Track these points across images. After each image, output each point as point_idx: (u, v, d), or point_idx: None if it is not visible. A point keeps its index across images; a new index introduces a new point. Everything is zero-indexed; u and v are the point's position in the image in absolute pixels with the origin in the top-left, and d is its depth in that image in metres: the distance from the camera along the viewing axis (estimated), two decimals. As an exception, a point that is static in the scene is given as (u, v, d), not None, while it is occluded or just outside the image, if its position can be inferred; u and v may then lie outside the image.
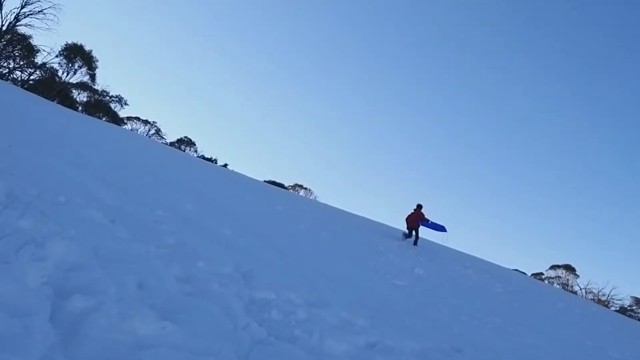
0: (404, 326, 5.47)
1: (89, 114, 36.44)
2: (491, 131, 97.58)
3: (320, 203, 32.25)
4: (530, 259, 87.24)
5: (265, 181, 38.23)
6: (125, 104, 44.39)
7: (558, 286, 35.01)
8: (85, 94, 41.46)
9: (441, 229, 20.31)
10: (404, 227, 19.25)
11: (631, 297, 34.19)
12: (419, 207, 19.42)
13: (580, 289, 34.20)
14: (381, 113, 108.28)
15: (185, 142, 49.93)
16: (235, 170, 37.87)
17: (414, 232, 19.21)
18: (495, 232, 76.45)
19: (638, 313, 33.36)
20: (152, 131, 47.42)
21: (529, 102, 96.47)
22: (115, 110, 43.76)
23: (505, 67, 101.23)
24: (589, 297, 32.53)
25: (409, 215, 19.29)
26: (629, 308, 33.22)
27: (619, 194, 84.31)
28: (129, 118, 46.16)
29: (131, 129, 44.50)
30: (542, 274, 38.65)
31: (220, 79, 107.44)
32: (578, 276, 36.39)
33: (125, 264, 3.46)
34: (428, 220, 19.38)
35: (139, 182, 9.17)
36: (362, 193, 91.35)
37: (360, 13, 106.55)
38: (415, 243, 19.06)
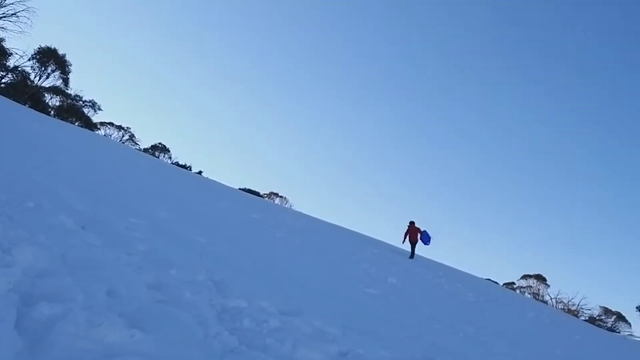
0: (377, 335, 5.48)
1: (62, 119, 35.85)
2: (465, 137, 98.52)
3: (296, 211, 32.21)
4: (502, 269, 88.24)
5: (240, 189, 38.05)
6: (99, 109, 43.81)
7: (529, 295, 35.49)
8: (58, 98, 40.76)
9: (428, 240, 21.30)
10: (396, 241, 20.22)
11: (600, 306, 34.87)
12: (413, 223, 20.90)
13: (551, 298, 34.73)
14: (360, 122, 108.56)
15: (159, 149, 49.40)
16: (210, 177, 37.60)
17: (414, 246, 20.75)
18: (468, 241, 77.23)
19: (606, 323, 33.96)
20: (126, 137, 46.84)
21: (507, 110, 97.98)
22: (89, 115, 43.15)
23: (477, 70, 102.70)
24: (559, 307, 33.01)
25: (409, 232, 20.73)
26: (597, 318, 33.80)
27: (590, 205, 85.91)
28: (102, 123, 45.55)
29: (104, 135, 43.90)
30: (513, 283, 39.15)
31: (197, 85, 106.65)
32: (549, 286, 37.00)
33: (95, 271, 3.40)
34: (423, 233, 21.00)
35: (111, 189, 9.05)
36: (337, 202, 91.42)
37: (339, 15, 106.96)
38: (412, 256, 20.72)
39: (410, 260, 19.87)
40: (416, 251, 21.19)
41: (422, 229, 20.91)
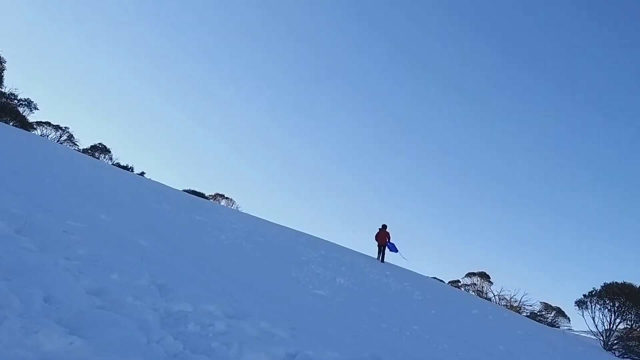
0: (324, 336, 5.48)
1: (-6, 118, 34.20)
2: (412, 134, 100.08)
3: (243, 213, 31.87)
4: (448, 267, 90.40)
5: (184, 190, 37.33)
6: (35, 108, 42.02)
7: (473, 293, 36.45)
8: (-9, 96, 38.89)
9: (394, 249, 22.84)
10: (344, 241, 21.10)
11: (540, 302, 36.16)
12: (385, 227, 22.40)
13: (494, 295, 35.73)
14: (305, 121, 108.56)
15: (99, 149, 47.79)
16: (152, 179, 36.71)
17: (382, 249, 22.20)
18: (415, 240, 78.56)
19: (547, 318, 35.25)
20: (64, 137, 45.12)
21: (451, 103, 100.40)
22: (24, 114, 41.34)
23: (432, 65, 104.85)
24: (502, 304, 34.05)
25: (378, 234, 22.27)
26: (538, 313, 35.04)
27: (532, 203, 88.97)
28: (38, 123, 43.67)
29: (41, 135, 42.16)
30: (458, 281, 40.07)
31: (139, 83, 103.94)
32: (492, 283, 38.05)
33: (31, 276, 3.24)
34: (389, 240, 22.56)
35: (48, 191, 8.67)
36: (285, 203, 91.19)
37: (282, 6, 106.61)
38: (382, 260, 22.11)
39: (362, 260, 20.11)
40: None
41: (390, 237, 22.40)
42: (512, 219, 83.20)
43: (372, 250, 23.26)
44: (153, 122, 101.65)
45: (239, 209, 43.90)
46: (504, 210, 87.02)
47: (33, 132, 39.74)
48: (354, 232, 78.70)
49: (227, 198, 52.18)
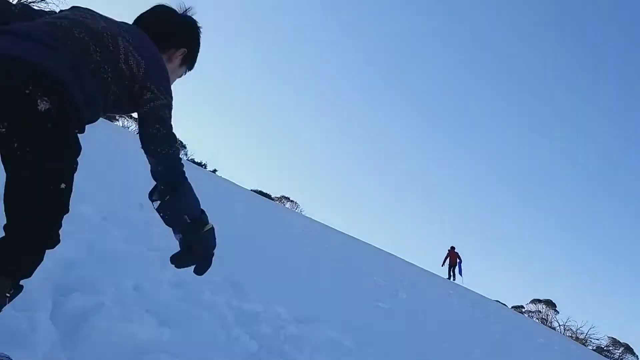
0: (389, 350, 5.44)
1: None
2: (480, 154, 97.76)
3: (306, 217, 32.15)
4: (511, 291, 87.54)
5: (252, 190, 38.03)
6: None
7: (537, 320, 35.12)
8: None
9: (460, 271, 24.04)
10: (407, 255, 21.54)
11: (608, 337, 34.42)
12: (453, 248, 23.99)
13: (559, 325, 34.30)
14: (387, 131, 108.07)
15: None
16: (223, 176, 37.62)
17: (453, 269, 23.76)
18: (479, 260, 76.64)
19: (614, 354, 33.52)
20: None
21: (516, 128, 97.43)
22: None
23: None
24: (567, 334, 32.62)
25: (449, 255, 23.90)
26: (605, 348, 33.36)
27: (606, 234, 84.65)
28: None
29: (122, 126, 44.23)
30: (522, 306, 38.74)
31: (220, 78, 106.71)
32: (558, 312, 36.58)
33: (121, 264, 3.40)
34: (459, 261, 23.89)
35: (131, 182, 9.07)
36: (349, 211, 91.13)
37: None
38: (454, 279, 23.45)
39: (424, 277, 19.96)
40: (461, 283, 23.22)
41: (460, 257, 23.79)
42: (585, 247, 79.66)
43: (433, 266, 23.30)
44: (229, 118, 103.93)
45: (303, 213, 44.25)
46: (577, 236, 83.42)
47: (115, 123, 41.71)
48: (415, 246, 77.72)
49: (292, 201, 52.85)
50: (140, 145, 1.72)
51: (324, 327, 4.89)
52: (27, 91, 1.39)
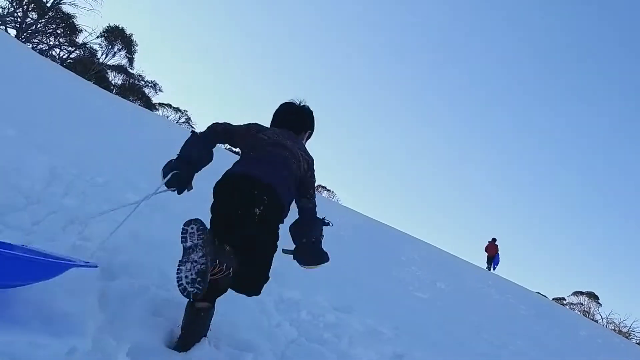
0: (428, 340, 5.41)
1: (123, 97, 36.91)
2: (528, 149, 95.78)
3: (343, 206, 32.11)
4: (552, 283, 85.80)
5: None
6: (160, 90, 44.93)
7: (578, 313, 34.38)
8: (121, 77, 42.03)
9: (496, 263, 24.07)
10: (445, 245, 21.61)
11: (653, 330, 33.41)
12: (494, 240, 24.19)
13: (602, 318, 33.49)
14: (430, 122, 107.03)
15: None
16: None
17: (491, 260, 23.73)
18: (520, 250, 75.18)
19: (659, 348, 32.53)
20: (183, 119, 47.80)
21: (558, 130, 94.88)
22: (149, 95, 44.35)
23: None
24: (610, 327, 31.83)
25: (488, 246, 24.04)
26: (649, 341, 32.45)
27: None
28: (160, 104, 46.63)
29: (162, 115, 44.94)
30: (563, 299, 37.96)
31: (257, 75, 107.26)
32: (600, 305, 35.72)
33: (164, 250, 3.46)
34: (497, 253, 23.97)
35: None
36: (387, 200, 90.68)
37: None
38: (493, 268, 23.42)
39: (463, 266, 19.87)
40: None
41: (498, 249, 23.85)
42: (629, 238, 77.28)
43: (472, 256, 23.09)
44: (269, 111, 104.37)
45: (339, 202, 44.25)
46: (621, 227, 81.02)
47: (156, 112, 42.47)
48: (456, 237, 76.85)
49: (328, 190, 52.86)
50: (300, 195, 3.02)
51: (362, 315, 4.90)
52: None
